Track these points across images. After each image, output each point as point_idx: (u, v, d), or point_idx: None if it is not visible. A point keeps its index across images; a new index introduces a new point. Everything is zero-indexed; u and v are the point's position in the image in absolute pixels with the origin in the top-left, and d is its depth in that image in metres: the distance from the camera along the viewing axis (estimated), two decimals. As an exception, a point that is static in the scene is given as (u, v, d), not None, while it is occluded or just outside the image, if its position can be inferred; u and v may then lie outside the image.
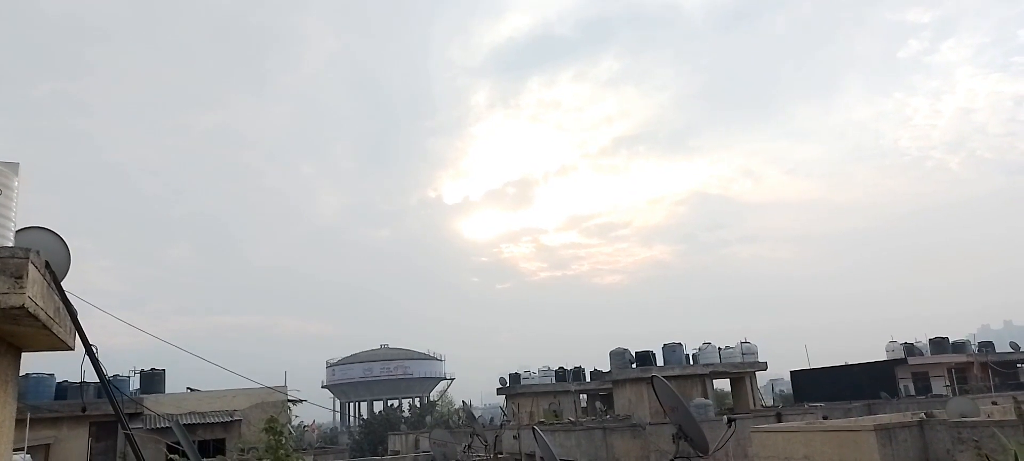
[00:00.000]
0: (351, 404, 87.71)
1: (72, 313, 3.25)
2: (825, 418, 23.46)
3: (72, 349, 3.44)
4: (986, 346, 39.52)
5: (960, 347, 38.59)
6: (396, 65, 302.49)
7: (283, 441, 5.72)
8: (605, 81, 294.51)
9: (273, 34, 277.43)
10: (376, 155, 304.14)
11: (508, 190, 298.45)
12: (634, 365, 32.26)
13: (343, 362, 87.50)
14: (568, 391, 41.99)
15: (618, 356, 32.95)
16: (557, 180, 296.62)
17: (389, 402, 77.14)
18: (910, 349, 38.37)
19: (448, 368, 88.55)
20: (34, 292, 2.59)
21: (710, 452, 8.32)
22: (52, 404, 23.68)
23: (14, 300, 2.47)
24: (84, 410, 22.48)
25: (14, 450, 3.24)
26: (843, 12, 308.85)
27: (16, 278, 2.49)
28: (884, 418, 16.97)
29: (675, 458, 8.22)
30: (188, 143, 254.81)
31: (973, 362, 36.98)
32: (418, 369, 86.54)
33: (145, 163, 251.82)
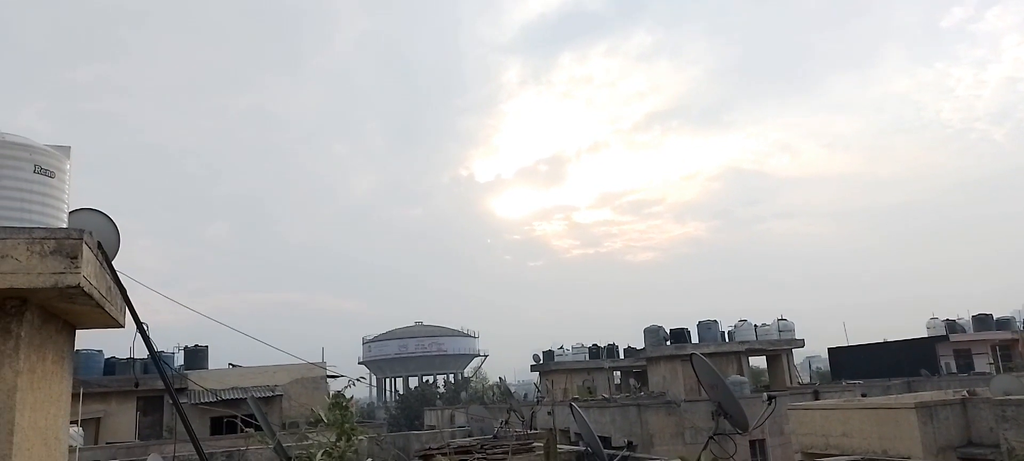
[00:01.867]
0: (387, 380, 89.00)
1: (123, 291, 3.34)
2: (864, 396, 23.14)
3: (123, 327, 3.53)
4: (1032, 323, 38.49)
5: (1004, 323, 37.61)
6: (426, 43, 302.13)
7: (349, 415, 5.87)
8: (637, 56, 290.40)
9: (305, 14, 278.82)
10: (407, 134, 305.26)
11: (540, 167, 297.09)
12: (669, 342, 32.15)
13: (379, 339, 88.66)
14: (602, 368, 42.02)
15: (652, 333, 32.86)
16: (589, 157, 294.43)
17: (424, 378, 78.05)
18: (952, 326, 37.56)
19: (482, 345, 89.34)
20: (88, 272, 2.66)
21: (750, 429, 8.29)
22: (102, 379, 24.47)
23: (70, 279, 2.55)
24: (137, 385, 23.18)
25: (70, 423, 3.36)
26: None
27: (71, 258, 2.56)
28: (925, 396, 16.66)
29: (714, 434, 8.21)
30: (225, 124, 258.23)
31: (1018, 339, 36.01)
32: (452, 346, 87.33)
33: (183, 144, 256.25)
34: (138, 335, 3.78)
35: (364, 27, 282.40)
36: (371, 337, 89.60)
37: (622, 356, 43.82)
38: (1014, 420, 11.95)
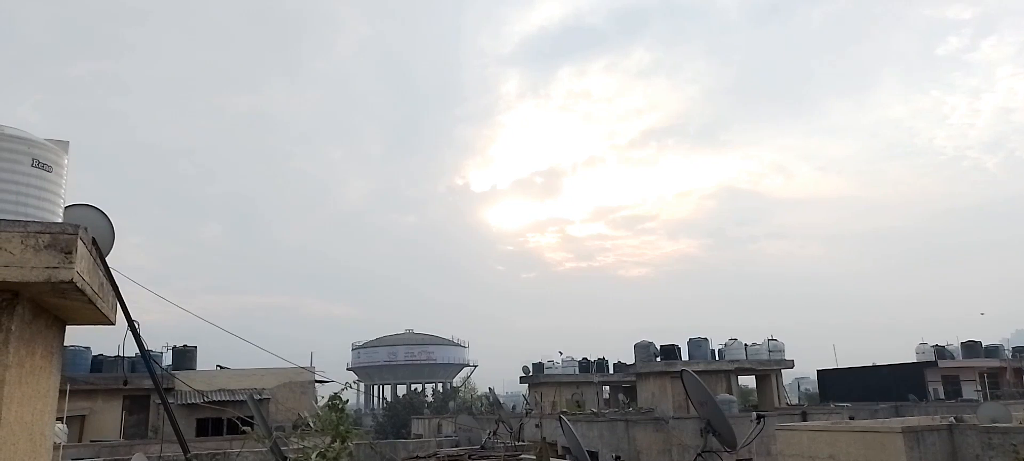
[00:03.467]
0: (375, 387, 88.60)
1: (115, 289, 3.33)
2: (851, 418, 23.16)
3: (113, 323, 3.52)
4: (1020, 351, 38.65)
5: (993, 351, 37.79)
6: (427, 52, 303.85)
7: (345, 418, 5.92)
8: (636, 72, 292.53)
9: (307, 18, 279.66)
10: (404, 141, 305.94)
11: (535, 180, 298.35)
12: (659, 359, 32.13)
13: (368, 345, 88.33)
14: (591, 382, 41.95)
15: (643, 349, 32.83)
16: (585, 171, 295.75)
17: (412, 386, 77.74)
18: (941, 352, 37.66)
19: (472, 355, 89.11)
20: (82, 267, 2.66)
21: (738, 447, 8.29)
22: (89, 377, 24.28)
23: (63, 275, 2.54)
24: (126, 383, 23.02)
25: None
26: (881, 7, 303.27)
27: (65, 253, 2.56)
28: (912, 420, 16.70)
29: (703, 452, 8.21)
30: (221, 124, 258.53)
31: (1006, 367, 36.20)
32: (442, 355, 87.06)
33: (179, 143, 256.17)
34: (128, 333, 3.76)
35: (365, 33, 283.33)
36: (360, 343, 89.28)
37: (612, 371, 43.75)
38: (1000, 448, 11.99)
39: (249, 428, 7.42)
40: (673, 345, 32.25)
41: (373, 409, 78.75)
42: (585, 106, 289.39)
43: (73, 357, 24.03)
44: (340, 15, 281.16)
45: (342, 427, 5.76)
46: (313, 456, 5.55)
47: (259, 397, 24.42)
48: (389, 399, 77.11)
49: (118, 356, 23.34)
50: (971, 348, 37.60)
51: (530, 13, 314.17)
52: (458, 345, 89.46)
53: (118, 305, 3.47)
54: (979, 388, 35.28)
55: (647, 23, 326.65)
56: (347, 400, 6.16)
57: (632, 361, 34.69)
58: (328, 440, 5.69)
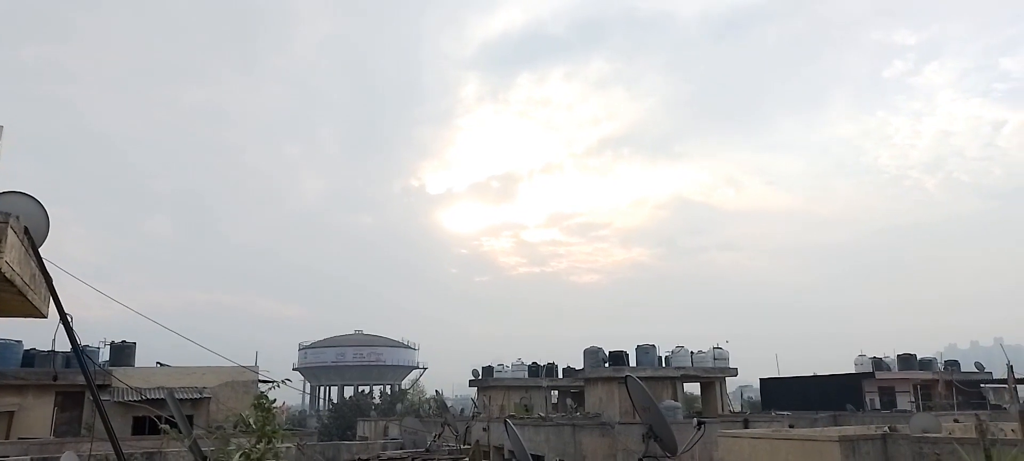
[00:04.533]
0: (322, 388, 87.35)
1: (48, 280, 3.22)
2: (791, 427, 23.76)
3: (45, 317, 3.40)
4: (952, 365, 40.21)
5: (927, 364, 39.25)
6: (387, 52, 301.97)
7: (271, 418, 5.74)
8: (595, 82, 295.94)
9: (267, 13, 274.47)
10: (362, 141, 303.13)
11: (492, 184, 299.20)
12: (607, 364, 32.44)
13: (316, 345, 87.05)
14: (540, 386, 42.13)
15: (591, 354, 33.11)
16: (541, 177, 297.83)
17: (360, 388, 76.88)
18: (878, 363, 38.94)
19: (421, 357, 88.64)
20: (11, 257, 2.56)
21: (678, 453, 8.43)
22: (18, 371, 23.38)
23: (-9, 264, 2.45)
24: (55, 379, 22.24)
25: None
26: (834, 30, 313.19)
27: (-6, 242, 2.46)
28: (849, 430, 17.24)
29: (644, 457, 8.32)
30: (174, 117, 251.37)
31: (938, 380, 37.60)
32: (391, 356, 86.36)
33: (128, 134, 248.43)
34: (61, 327, 3.64)
35: (326, 31, 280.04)
36: (308, 343, 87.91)
37: (561, 376, 44.02)
38: (929, 457, 12.46)
39: (168, 427, 7.19)
40: (622, 351, 32.60)
41: (318, 410, 77.60)
42: (544, 113, 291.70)
43: (2, 351, 23.14)
44: (300, 11, 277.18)
45: (268, 427, 5.62)
46: (236, 457, 5.41)
47: (199, 396, 23.86)
48: (336, 400, 76.09)
49: (51, 351, 22.58)
50: (906, 361, 38.99)
51: (492, 18, 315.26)
52: (408, 347, 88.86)
53: (51, 298, 3.36)
54: (913, 399, 36.58)
55: (608, 34, 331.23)
56: (275, 400, 6.00)
57: (581, 366, 34.97)
58: (254, 441, 5.55)
